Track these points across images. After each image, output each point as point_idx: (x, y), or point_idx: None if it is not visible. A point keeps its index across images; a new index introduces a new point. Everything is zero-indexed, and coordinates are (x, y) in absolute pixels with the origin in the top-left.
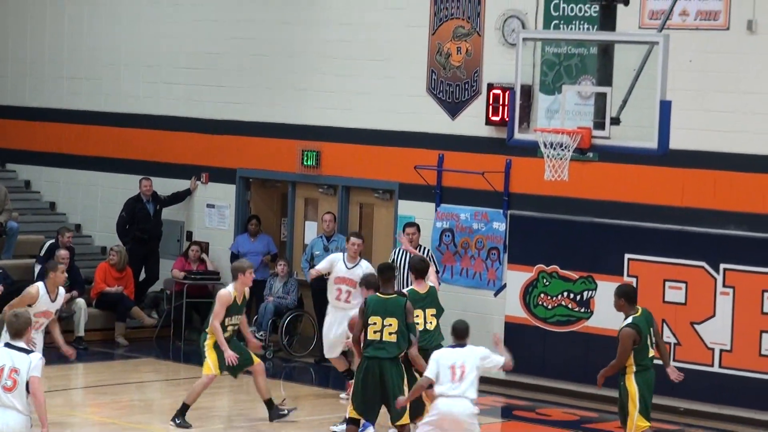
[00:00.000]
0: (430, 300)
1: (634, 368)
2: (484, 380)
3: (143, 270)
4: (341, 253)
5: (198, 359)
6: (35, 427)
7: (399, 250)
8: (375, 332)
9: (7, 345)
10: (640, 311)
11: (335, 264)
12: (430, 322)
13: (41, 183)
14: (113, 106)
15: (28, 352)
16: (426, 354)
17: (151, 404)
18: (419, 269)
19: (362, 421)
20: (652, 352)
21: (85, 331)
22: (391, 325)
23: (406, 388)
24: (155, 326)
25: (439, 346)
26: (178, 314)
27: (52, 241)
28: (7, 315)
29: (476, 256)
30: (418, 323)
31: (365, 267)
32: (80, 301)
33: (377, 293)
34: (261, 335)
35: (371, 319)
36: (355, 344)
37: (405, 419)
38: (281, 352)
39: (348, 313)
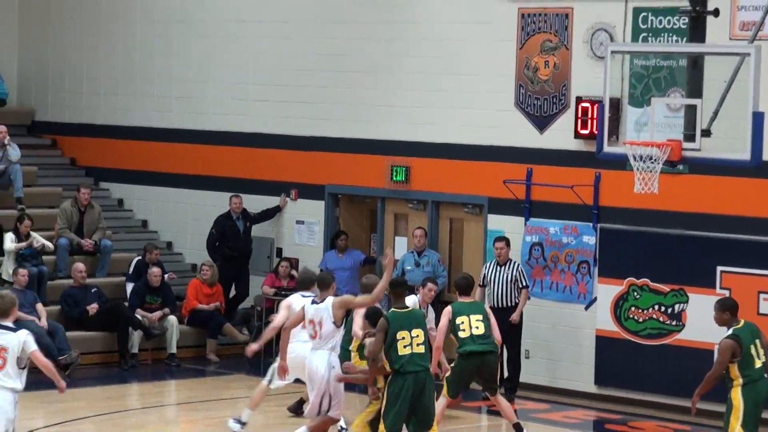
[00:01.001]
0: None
1: (741, 380)
2: (574, 394)
3: (233, 287)
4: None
5: None
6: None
7: (489, 265)
8: (405, 347)
9: None
10: (742, 323)
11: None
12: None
13: (133, 201)
14: (203, 124)
15: (14, 330)
16: None
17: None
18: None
19: None
20: (759, 363)
21: (177, 348)
22: (418, 336)
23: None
24: (247, 343)
25: None
26: None
27: (140, 258)
28: None
29: (566, 270)
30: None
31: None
32: (172, 318)
33: (393, 309)
34: None
35: (399, 334)
36: (374, 361)
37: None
38: None
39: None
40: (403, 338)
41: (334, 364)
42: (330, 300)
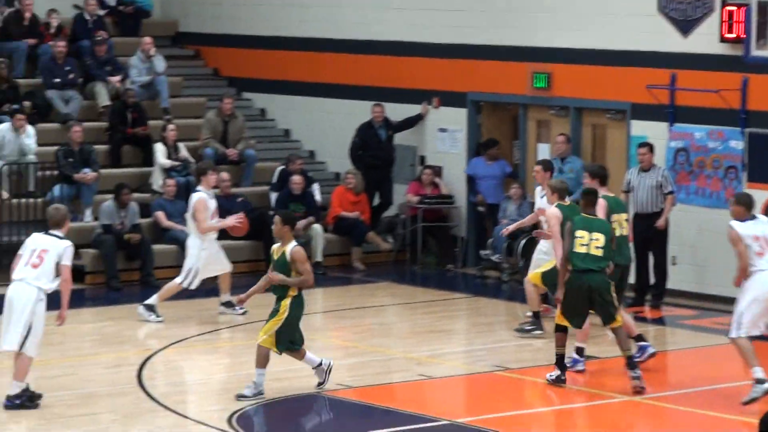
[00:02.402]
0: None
1: None
2: (722, 300)
3: (377, 195)
4: None
5: (433, 282)
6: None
7: (633, 171)
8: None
9: (45, 232)
10: None
11: None
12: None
13: (276, 111)
14: (344, 33)
15: (60, 238)
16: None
17: (389, 328)
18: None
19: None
20: None
21: (323, 256)
22: (598, 239)
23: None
24: (391, 251)
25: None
26: (413, 238)
27: (283, 167)
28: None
29: (713, 175)
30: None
31: None
32: (317, 227)
33: (582, 214)
34: (498, 258)
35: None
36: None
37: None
38: (517, 275)
39: None
40: (582, 237)
41: None
42: None
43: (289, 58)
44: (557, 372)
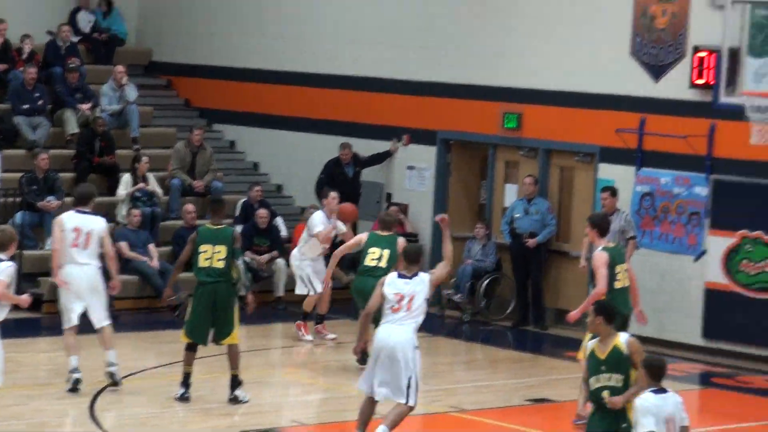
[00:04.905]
0: None
1: None
2: (680, 346)
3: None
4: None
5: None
6: None
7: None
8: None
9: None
10: None
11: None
12: None
13: (245, 143)
14: (316, 67)
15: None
16: None
17: (348, 365)
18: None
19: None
20: None
21: (285, 291)
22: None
23: None
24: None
25: None
26: None
27: (245, 199)
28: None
29: (676, 221)
30: None
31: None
32: (280, 262)
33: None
34: (459, 297)
35: None
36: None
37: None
38: (479, 316)
39: None
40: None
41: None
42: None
43: (261, 91)
44: None
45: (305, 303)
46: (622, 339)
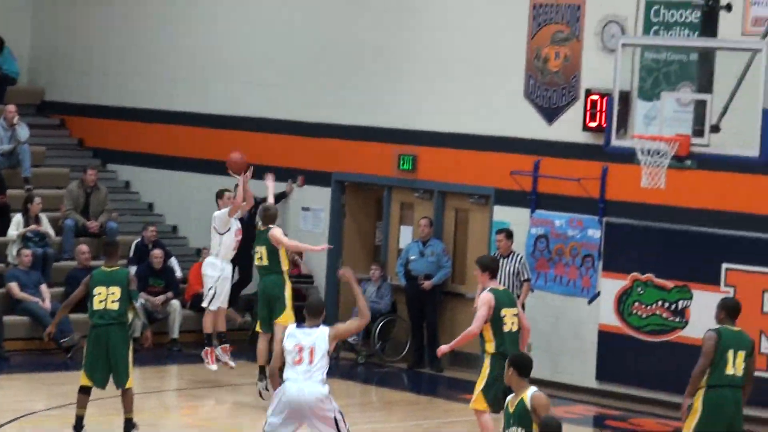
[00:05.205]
0: None
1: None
2: (575, 389)
3: (236, 272)
4: None
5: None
6: None
7: (495, 255)
8: None
9: None
10: (736, 330)
11: None
12: None
13: (140, 184)
14: (211, 108)
15: None
16: None
17: (243, 408)
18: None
19: None
20: (730, 371)
21: (179, 332)
22: None
23: None
24: (247, 329)
25: None
26: None
27: (139, 239)
28: None
29: (570, 263)
30: None
31: None
32: (175, 303)
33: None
34: (354, 340)
35: None
36: None
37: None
38: (374, 357)
39: None
40: None
41: None
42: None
43: (156, 131)
44: None
45: (203, 323)
46: (528, 393)
